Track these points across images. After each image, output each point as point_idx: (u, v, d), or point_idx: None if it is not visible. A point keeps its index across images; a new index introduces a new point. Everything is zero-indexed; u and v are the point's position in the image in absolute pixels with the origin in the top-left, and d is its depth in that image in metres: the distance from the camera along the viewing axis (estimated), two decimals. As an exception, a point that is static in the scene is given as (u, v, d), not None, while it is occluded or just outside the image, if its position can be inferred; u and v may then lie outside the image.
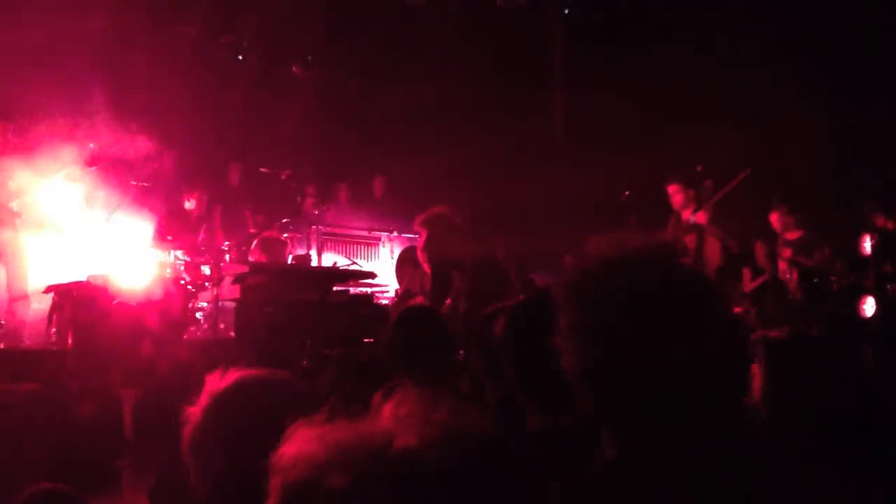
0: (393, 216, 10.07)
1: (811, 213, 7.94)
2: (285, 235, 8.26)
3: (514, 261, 7.27)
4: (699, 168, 8.25)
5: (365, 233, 9.50)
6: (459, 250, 6.35)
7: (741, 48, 9.44)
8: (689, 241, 7.21)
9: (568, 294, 1.30)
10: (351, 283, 7.87)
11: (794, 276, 7.57)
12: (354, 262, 8.86)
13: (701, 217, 7.35)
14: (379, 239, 9.48)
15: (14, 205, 6.50)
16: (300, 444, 0.86)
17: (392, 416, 0.89)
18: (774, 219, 7.92)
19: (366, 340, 6.09)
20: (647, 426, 1.22)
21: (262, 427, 1.27)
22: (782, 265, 7.69)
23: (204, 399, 1.52)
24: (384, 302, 8.36)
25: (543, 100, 11.41)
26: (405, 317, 2.96)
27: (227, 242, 7.77)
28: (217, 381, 1.55)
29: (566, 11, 11.10)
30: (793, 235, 7.79)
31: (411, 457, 0.83)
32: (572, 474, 1.27)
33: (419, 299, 8.31)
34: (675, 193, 7.62)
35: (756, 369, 1.75)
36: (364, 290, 8.19)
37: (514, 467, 0.90)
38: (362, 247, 9.38)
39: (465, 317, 5.86)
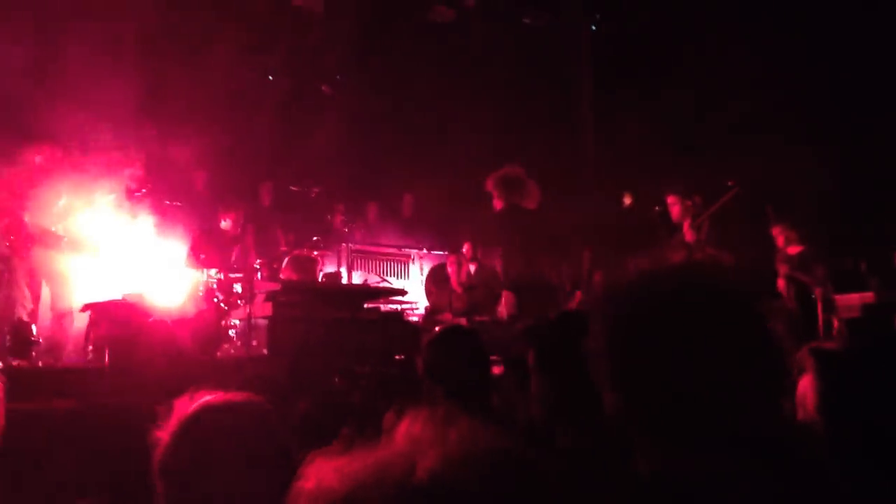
0: (422, 233, 10.12)
1: (816, 229, 7.92)
2: (315, 253, 8.33)
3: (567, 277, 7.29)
4: (731, 183, 8.19)
5: (394, 250, 9.55)
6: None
7: (769, 64, 9.39)
8: (677, 258, 7.13)
9: (602, 301, 1.32)
10: (381, 301, 7.92)
11: (791, 291, 7.50)
12: (385, 280, 8.90)
13: (689, 234, 7.29)
14: (408, 256, 9.52)
15: (57, 228, 6.66)
16: (319, 478, 0.83)
17: (407, 438, 0.86)
18: (776, 233, 7.87)
19: (397, 357, 6.12)
20: (679, 438, 1.22)
21: (227, 451, 1.27)
22: (780, 281, 7.64)
23: (172, 422, 1.54)
24: (414, 319, 8.39)
25: (572, 116, 11.42)
26: (439, 334, 2.98)
27: (258, 260, 7.86)
28: (185, 405, 1.56)
29: (593, 28, 11.11)
30: (794, 251, 7.74)
31: (434, 482, 0.80)
32: (606, 493, 1.27)
33: (447, 316, 8.34)
34: (673, 205, 7.57)
35: (807, 383, 1.73)
36: (394, 307, 8.22)
37: (538, 484, 0.88)
38: (392, 264, 9.43)
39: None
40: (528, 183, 6.55)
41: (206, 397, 1.58)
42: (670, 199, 7.59)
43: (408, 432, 0.87)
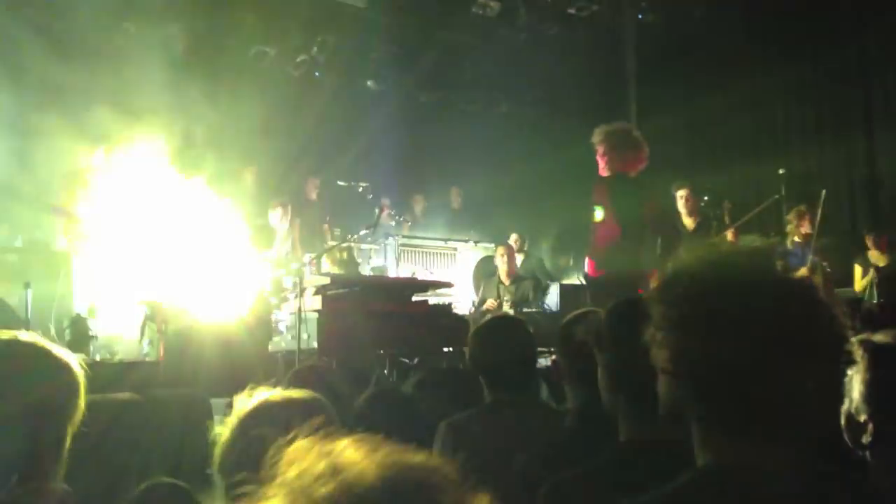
0: (468, 226, 10.13)
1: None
2: (364, 247, 8.39)
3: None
4: (781, 171, 8.08)
5: (441, 243, 9.56)
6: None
7: (820, 62, 9.21)
8: (689, 256, 6.89)
9: (663, 287, 1.30)
10: (429, 293, 7.93)
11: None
12: (432, 273, 8.92)
13: (731, 237, 7.08)
14: (455, 249, 9.53)
15: (112, 224, 6.80)
16: None
17: (291, 478, 0.83)
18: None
19: (445, 350, 6.12)
20: (737, 427, 1.20)
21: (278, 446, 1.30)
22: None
23: (232, 419, 1.57)
24: (462, 311, 8.40)
25: (617, 108, 11.29)
26: (486, 325, 2.96)
27: (307, 255, 7.94)
28: (244, 402, 1.59)
29: (640, 17, 10.95)
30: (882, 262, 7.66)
31: None
32: (664, 486, 1.25)
33: (491, 308, 8.33)
34: (682, 198, 7.39)
35: (856, 374, 1.69)
36: (442, 299, 8.23)
37: (426, 489, 0.82)
38: (439, 257, 9.44)
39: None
40: (641, 146, 5.52)
41: (265, 394, 1.60)
42: (680, 193, 7.39)
43: (289, 471, 0.84)
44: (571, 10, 10.24)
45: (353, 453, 0.83)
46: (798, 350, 1.17)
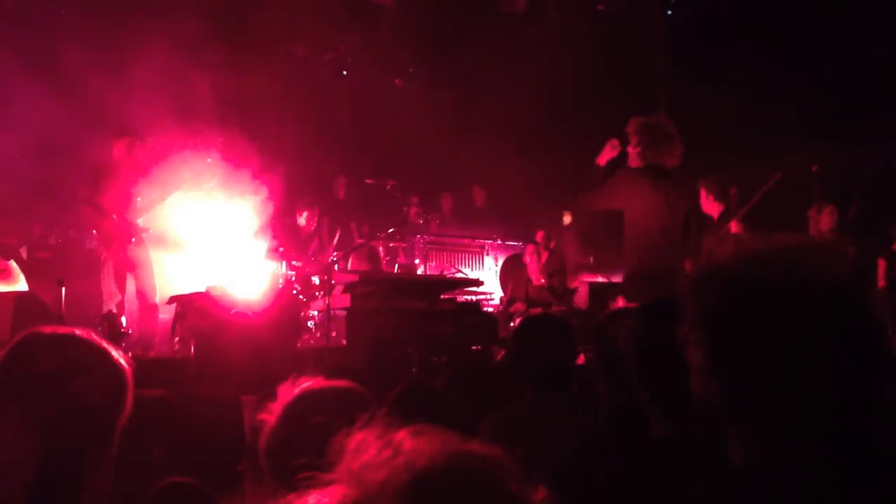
0: (496, 224, 10.11)
1: None
2: (391, 245, 8.41)
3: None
4: (814, 168, 7.97)
5: (469, 241, 9.56)
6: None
7: (853, 54, 9.06)
8: (722, 251, 6.77)
9: (696, 284, 1.27)
10: (457, 291, 7.93)
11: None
12: (459, 271, 8.92)
13: (734, 226, 6.96)
14: (483, 247, 9.52)
15: (141, 221, 6.88)
16: None
17: (352, 466, 0.85)
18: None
19: (473, 348, 6.12)
20: (775, 429, 1.18)
21: (326, 433, 1.35)
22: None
23: (277, 407, 1.62)
24: (490, 309, 8.38)
25: (646, 105, 11.20)
26: (527, 324, 2.95)
27: (335, 253, 7.98)
28: (288, 390, 1.64)
29: (668, 13, 10.87)
30: None
31: None
32: (699, 484, 1.24)
33: (519, 306, 8.31)
34: (703, 195, 7.23)
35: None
36: (470, 297, 8.23)
37: (488, 480, 0.84)
38: (466, 255, 9.44)
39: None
40: (675, 139, 5.36)
41: (308, 382, 1.65)
42: (702, 189, 7.28)
43: (351, 460, 0.86)
44: (600, 7, 10.19)
45: (417, 441, 0.85)
46: (835, 348, 1.15)
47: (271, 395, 1.64)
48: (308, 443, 1.43)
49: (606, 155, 5.43)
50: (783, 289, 1.19)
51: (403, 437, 0.86)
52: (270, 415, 1.61)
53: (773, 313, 1.17)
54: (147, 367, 5.38)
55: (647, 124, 5.39)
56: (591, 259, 9.61)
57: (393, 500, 0.80)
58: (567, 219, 9.71)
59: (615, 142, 5.45)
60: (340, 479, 0.84)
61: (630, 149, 5.39)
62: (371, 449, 0.85)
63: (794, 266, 1.22)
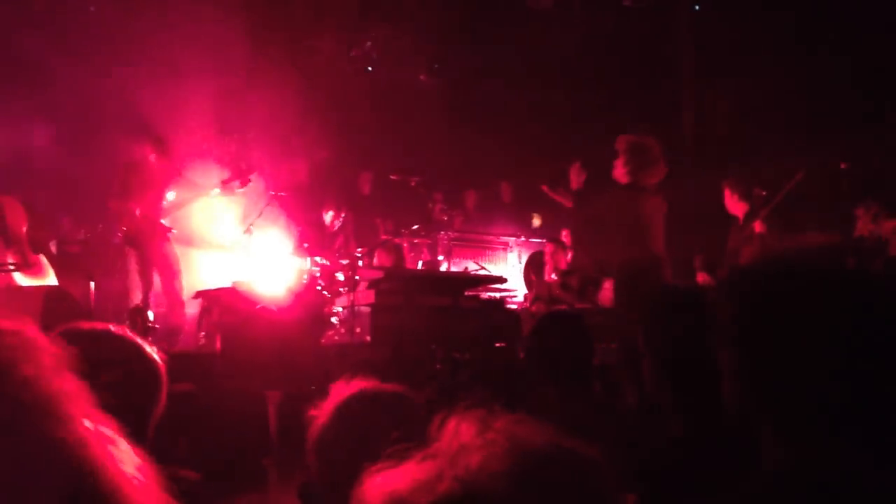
0: (519, 221, 10.08)
1: None
2: (416, 241, 8.42)
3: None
4: (843, 166, 7.84)
5: (493, 238, 9.54)
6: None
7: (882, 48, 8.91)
8: (747, 251, 6.74)
9: (731, 287, 1.27)
10: (481, 288, 7.93)
11: None
12: (484, 267, 8.91)
13: (758, 226, 6.91)
14: (506, 244, 9.50)
15: (166, 220, 6.95)
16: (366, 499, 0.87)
17: (449, 445, 0.87)
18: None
19: (497, 345, 6.11)
20: (810, 431, 1.17)
21: (377, 434, 1.37)
22: None
23: (329, 404, 1.63)
24: (514, 307, 8.37)
25: (672, 100, 11.12)
26: (546, 322, 2.95)
27: (360, 249, 8.00)
28: (342, 389, 1.66)
29: (696, 7, 10.77)
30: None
31: (467, 491, 0.81)
32: (727, 487, 1.22)
33: (540, 306, 8.28)
34: (727, 194, 7.22)
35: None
36: (494, 294, 8.22)
37: (587, 476, 0.87)
38: (490, 252, 9.42)
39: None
40: (661, 161, 5.78)
41: (362, 383, 1.68)
42: (726, 190, 7.22)
43: (450, 440, 0.88)
44: (626, 2, 10.12)
45: (519, 429, 0.87)
46: (872, 349, 1.14)
47: (324, 393, 1.67)
48: (357, 443, 1.47)
49: (576, 181, 6.09)
50: (819, 289, 1.18)
51: (505, 424, 0.88)
52: (322, 412, 1.63)
53: (809, 313, 1.16)
54: (173, 362, 5.45)
55: (636, 146, 5.81)
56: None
57: (491, 481, 0.81)
58: (537, 221, 9.76)
59: (578, 166, 6.10)
60: (437, 455, 0.86)
61: (618, 164, 5.86)
62: (471, 431, 0.87)
63: (829, 266, 1.21)
